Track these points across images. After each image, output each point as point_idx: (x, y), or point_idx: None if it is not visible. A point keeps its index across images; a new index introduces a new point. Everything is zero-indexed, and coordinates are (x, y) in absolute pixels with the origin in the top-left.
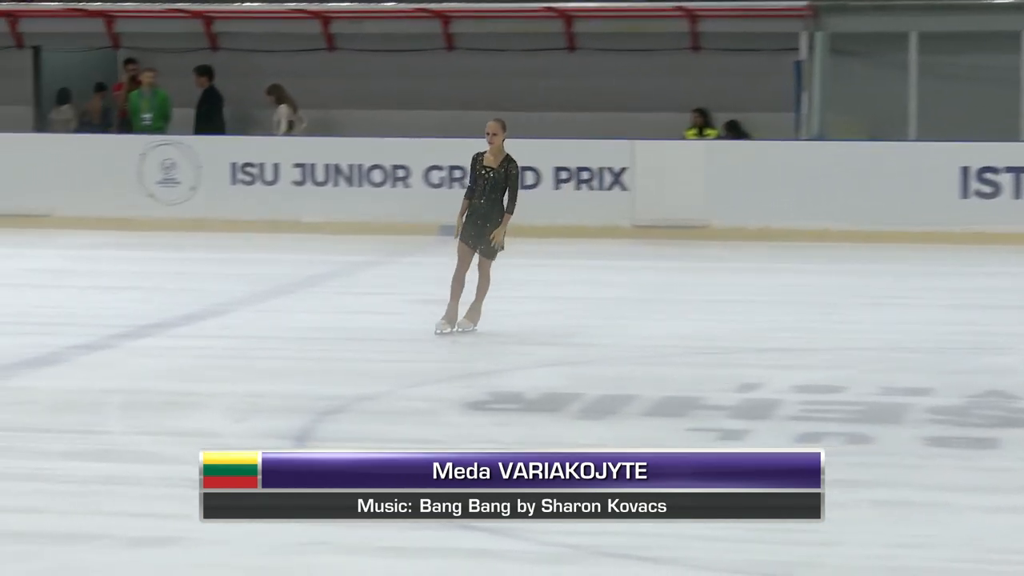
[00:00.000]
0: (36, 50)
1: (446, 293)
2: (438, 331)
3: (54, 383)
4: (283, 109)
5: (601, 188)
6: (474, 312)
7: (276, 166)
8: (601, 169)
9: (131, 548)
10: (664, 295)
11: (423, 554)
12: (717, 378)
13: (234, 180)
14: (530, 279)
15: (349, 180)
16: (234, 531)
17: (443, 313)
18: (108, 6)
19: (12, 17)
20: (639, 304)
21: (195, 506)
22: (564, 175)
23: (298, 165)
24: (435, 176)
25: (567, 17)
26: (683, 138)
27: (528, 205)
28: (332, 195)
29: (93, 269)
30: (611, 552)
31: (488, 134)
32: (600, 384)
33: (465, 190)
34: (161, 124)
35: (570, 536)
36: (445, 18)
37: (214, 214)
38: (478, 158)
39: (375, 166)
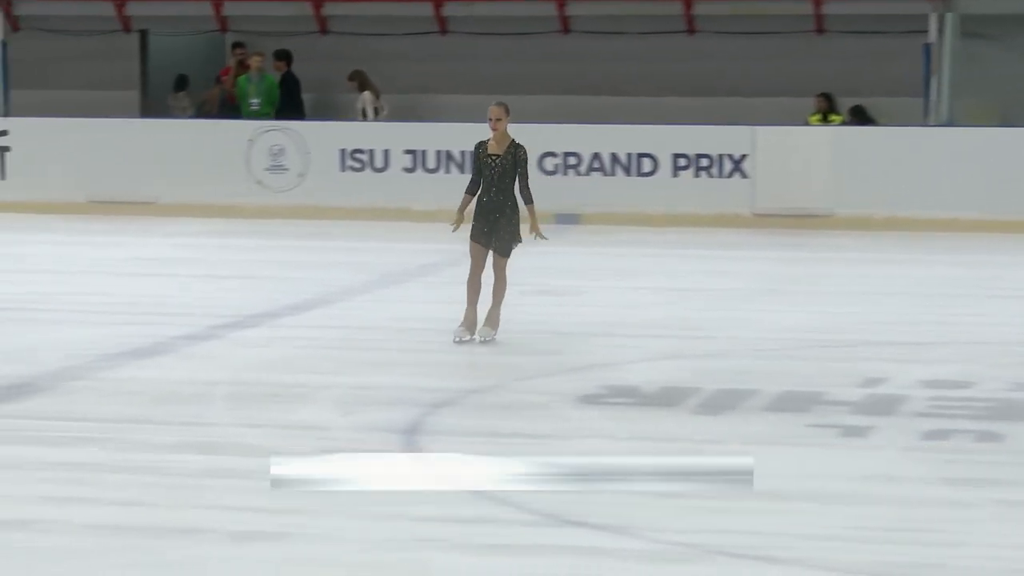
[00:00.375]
0: (143, 34)
1: (561, 284)
2: (456, 339)
3: (158, 374)
4: (367, 96)
5: (721, 175)
6: (493, 318)
7: (386, 152)
8: (721, 156)
9: (236, 543)
10: (785, 286)
11: (533, 551)
12: (840, 372)
13: (343, 167)
14: (647, 269)
15: (460, 167)
16: (341, 527)
17: (460, 319)
18: None
19: (119, 0)
20: (759, 295)
21: (302, 500)
22: (682, 162)
23: (408, 152)
24: (549, 163)
25: None
26: (806, 124)
27: (645, 192)
28: (443, 182)
29: (199, 258)
30: (729, 551)
31: (490, 119)
32: (719, 378)
33: (468, 183)
34: (269, 109)
35: (686, 535)
36: (560, 0)
37: (322, 201)
38: (481, 147)
39: None
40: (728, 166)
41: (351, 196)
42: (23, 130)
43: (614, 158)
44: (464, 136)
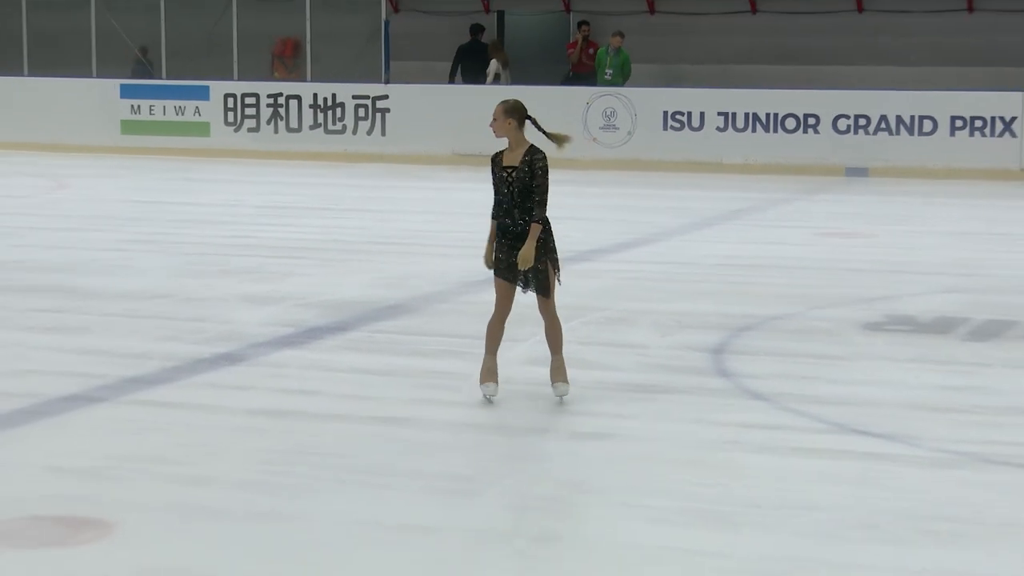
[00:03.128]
0: (500, 14)
1: (852, 227)
2: (490, 397)
3: None
4: (494, 64)
5: (992, 135)
6: (562, 370)
7: (702, 114)
8: (993, 118)
9: (575, 440)
10: None
11: (825, 455)
12: None
13: (665, 126)
14: (927, 215)
15: (766, 127)
16: (659, 429)
17: (479, 374)
18: None
19: None
20: None
21: (631, 407)
22: (959, 123)
23: (721, 114)
24: (842, 123)
25: None
26: None
27: (926, 149)
28: (750, 140)
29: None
30: (995, 459)
31: (494, 120)
32: (986, 310)
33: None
34: (620, 80)
35: (959, 444)
36: None
37: (647, 156)
38: (497, 160)
39: (788, 115)
40: (999, 127)
41: (672, 151)
42: (400, 95)
43: (899, 120)
44: (769, 101)
